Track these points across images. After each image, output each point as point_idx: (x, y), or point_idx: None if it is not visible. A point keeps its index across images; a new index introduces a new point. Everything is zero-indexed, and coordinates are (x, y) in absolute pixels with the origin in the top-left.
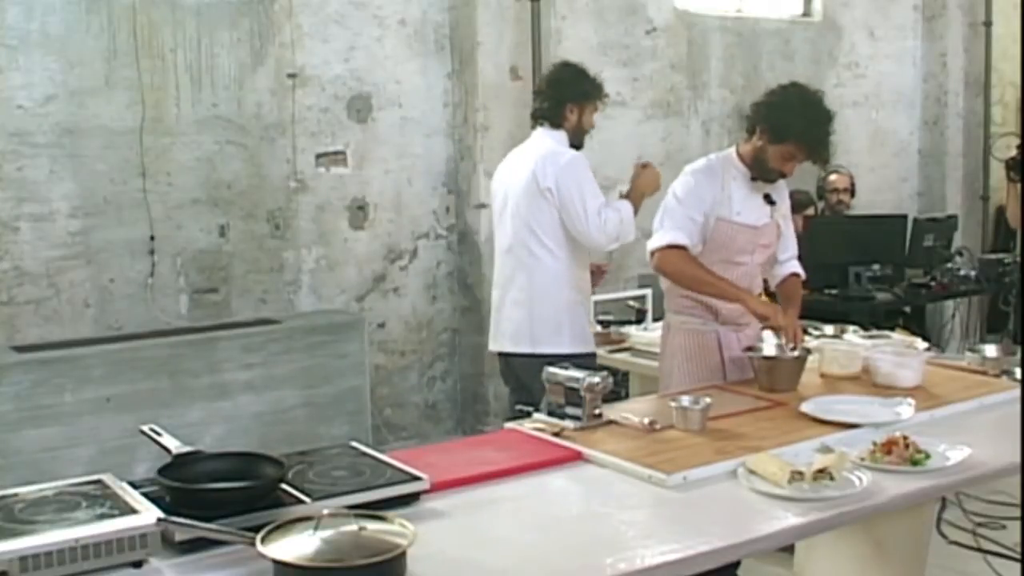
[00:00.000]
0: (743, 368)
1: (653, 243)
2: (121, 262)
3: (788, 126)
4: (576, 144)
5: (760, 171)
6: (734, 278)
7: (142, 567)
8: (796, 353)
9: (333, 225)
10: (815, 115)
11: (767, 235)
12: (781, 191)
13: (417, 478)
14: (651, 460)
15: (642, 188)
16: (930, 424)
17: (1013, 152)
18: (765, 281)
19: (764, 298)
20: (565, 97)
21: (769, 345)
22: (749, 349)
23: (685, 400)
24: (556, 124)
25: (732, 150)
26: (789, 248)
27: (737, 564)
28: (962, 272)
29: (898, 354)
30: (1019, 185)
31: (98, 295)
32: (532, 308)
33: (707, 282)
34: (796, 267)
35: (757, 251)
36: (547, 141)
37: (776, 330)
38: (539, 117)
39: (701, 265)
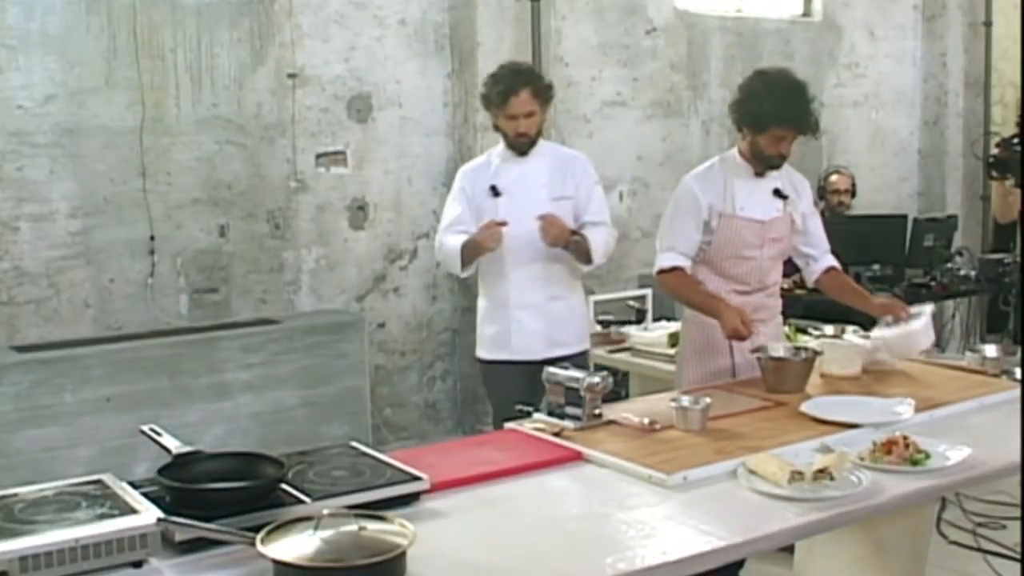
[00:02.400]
0: (754, 366)
1: (656, 266)
2: (121, 262)
3: (763, 114)
4: (512, 147)
5: (762, 162)
6: (744, 272)
7: (142, 567)
8: (810, 350)
9: (333, 225)
10: (784, 94)
11: (776, 229)
12: (797, 185)
13: (417, 478)
14: (651, 460)
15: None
16: (930, 424)
17: (994, 151)
18: (801, 277)
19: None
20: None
21: (777, 345)
22: (757, 350)
23: (685, 400)
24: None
25: (735, 149)
26: (820, 244)
27: (741, 564)
28: (962, 272)
29: (903, 323)
30: (1005, 183)
31: (98, 295)
32: None
33: (695, 300)
34: (831, 261)
35: (766, 245)
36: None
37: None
38: None
39: (691, 284)
